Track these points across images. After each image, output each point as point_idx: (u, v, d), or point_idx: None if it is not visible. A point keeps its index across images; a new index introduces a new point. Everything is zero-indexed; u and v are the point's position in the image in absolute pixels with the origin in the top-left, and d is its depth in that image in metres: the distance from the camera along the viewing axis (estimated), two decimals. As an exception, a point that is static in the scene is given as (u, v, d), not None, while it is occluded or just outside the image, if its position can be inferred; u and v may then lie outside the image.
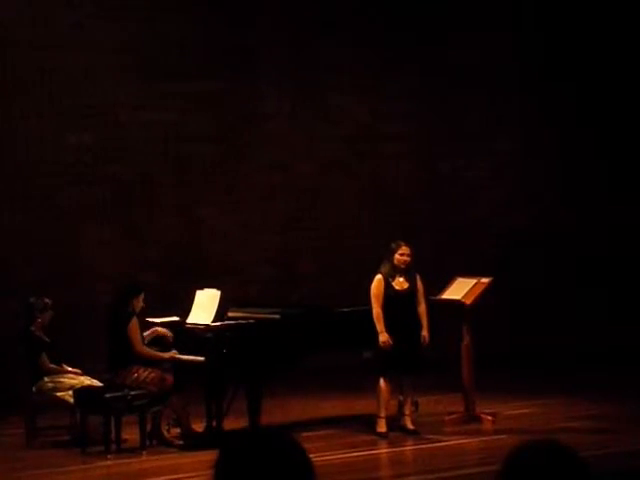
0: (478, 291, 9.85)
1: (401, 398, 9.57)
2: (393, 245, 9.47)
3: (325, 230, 14.10)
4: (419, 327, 9.40)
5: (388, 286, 9.40)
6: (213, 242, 13.55)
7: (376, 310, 9.34)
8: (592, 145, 15.49)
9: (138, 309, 9.26)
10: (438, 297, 9.89)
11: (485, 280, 9.96)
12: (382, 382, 9.40)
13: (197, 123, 13.60)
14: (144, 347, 9.19)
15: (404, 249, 9.44)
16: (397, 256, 9.42)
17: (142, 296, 9.28)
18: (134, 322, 9.16)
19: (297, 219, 14.03)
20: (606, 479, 3.52)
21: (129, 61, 13.19)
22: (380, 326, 9.29)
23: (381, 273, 9.43)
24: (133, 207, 13.18)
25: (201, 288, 9.57)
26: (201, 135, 13.63)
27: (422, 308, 9.48)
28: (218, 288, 9.42)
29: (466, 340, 9.85)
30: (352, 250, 13.83)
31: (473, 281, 9.96)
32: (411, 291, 9.45)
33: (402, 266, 9.42)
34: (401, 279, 9.46)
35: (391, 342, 9.23)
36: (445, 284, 10.01)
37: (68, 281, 12.40)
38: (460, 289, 9.90)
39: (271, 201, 13.92)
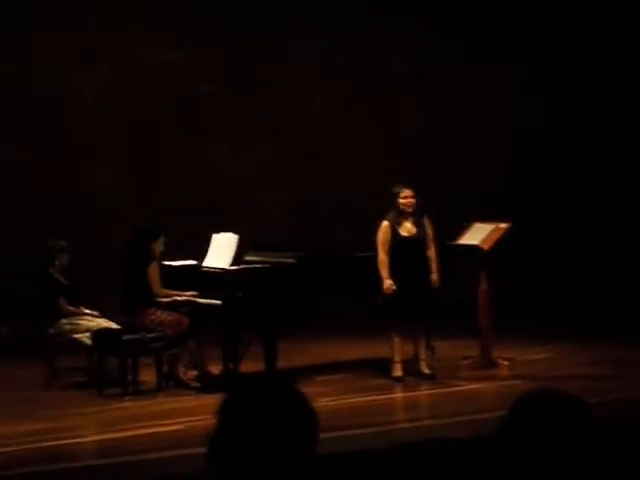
0: (496, 236, 9.80)
1: (414, 343, 9.59)
2: (395, 190, 9.41)
3: (339, 170, 13.98)
4: (429, 272, 9.37)
5: (395, 232, 9.37)
6: (227, 184, 13.49)
7: (381, 256, 9.32)
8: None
9: (157, 253, 9.25)
10: (455, 242, 9.85)
11: (503, 225, 9.90)
12: (394, 327, 9.41)
13: (207, 63, 13.50)
14: (163, 290, 9.21)
15: (407, 192, 9.38)
16: (401, 200, 9.36)
17: (161, 239, 9.26)
18: (153, 266, 9.16)
19: (310, 159, 13.93)
20: (611, 426, 3.53)
21: (135, 3, 13.14)
22: (384, 272, 9.28)
23: (387, 219, 9.39)
24: (146, 148, 13.12)
25: (217, 231, 9.56)
26: (212, 75, 13.53)
27: (431, 252, 9.44)
28: (233, 231, 9.40)
29: (483, 286, 9.82)
30: (368, 191, 13.73)
31: (491, 226, 9.90)
32: (419, 236, 9.40)
33: (408, 209, 9.37)
34: (408, 224, 9.41)
35: (394, 288, 9.22)
36: (458, 227, 9.96)
37: (85, 223, 12.41)
38: (477, 234, 9.84)
39: (283, 141, 13.82)
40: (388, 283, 9.26)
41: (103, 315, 9.62)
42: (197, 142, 13.50)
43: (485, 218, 10.06)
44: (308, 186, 13.79)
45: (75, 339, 9.40)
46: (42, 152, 12.56)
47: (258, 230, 12.00)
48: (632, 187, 14.94)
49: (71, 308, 9.53)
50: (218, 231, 9.54)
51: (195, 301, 9.23)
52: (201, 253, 9.50)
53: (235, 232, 9.40)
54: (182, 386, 9.24)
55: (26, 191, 12.44)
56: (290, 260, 9.28)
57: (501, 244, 9.78)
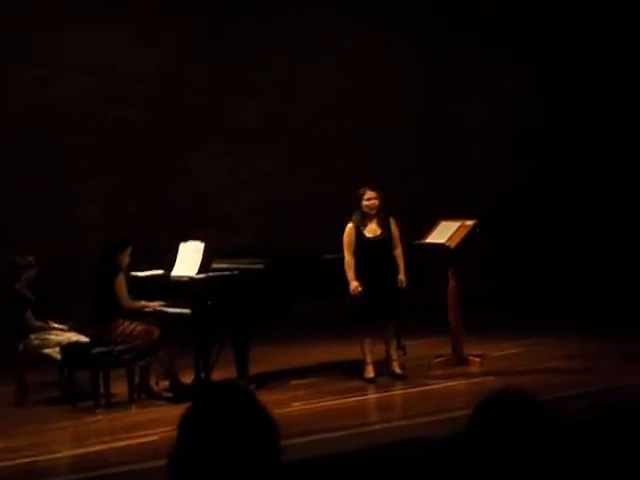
0: (462, 234, 9.85)
1: (385, 343, 9.62)
2: (360, 192, 9.49)
3: (316, 179, 13.94)
4: (396, 272, 9.42)
5: (359, 234, 9.42)
6: (202, 193, 13.45)
7: (347, 259, 9.38)
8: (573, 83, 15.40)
9: (124, 265, 9.23)
10: (422, 241, 9.89)
11: (469, 223, 9.96)
12: (364, 329, 9.44)
13: (189, 72, 13.45)
14: (131, 302, 9.19)
15: (370, 194, 9.45)
16: (364, 202, 9.43)
17: (128, 251, 9.25)
18: (120, 278, 9.14)
19: (289, 168, 13.89)
20: (583, 416, 3.59)
21: (118, 9, 13.09)
22: (350, 274, 9.33)
23: (352, 221, 9.45)
24: (122, 158, 13.05)
25: (185, 240, 9.54)
26: (192, 84, 13.48)
27: (398, 252, 9.50)
28: (205, 239, 9.39)
29: (452, 284, 9.87)
30: (344, 197, 13.71)
31: (457, 224, 9.96)
32: (385, 237, 9.45)
33: (371, 212, 9.43)
34: (373, 225, 9.47)
35: (360, 289, 9.26)
36: (430, 227, 10.01)
37: (55, 235, 12.32)
38: (444, 232, 9.90)
39: (262, 150, 13.78)
40: (354, 285, 9.30)
41: (72, 329, 9.58)
42: (176, 151, 13.40)
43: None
44: (285, 193, 13.73)
45: (45, 354, 9.35)
46: (20, 163, 12.42)
47: (239, 238, 11.99)
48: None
49: (39, 323, 9.47)
50: (187, 240, 9.51)
51: (164, 311, 9.22)
52: (170, 262, 9.46)
53: (203, 240, 9.38)
54: (154, 397, 9.22)
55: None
56: (258, 266, 9.28)
57: (468, 241, 9.83)
